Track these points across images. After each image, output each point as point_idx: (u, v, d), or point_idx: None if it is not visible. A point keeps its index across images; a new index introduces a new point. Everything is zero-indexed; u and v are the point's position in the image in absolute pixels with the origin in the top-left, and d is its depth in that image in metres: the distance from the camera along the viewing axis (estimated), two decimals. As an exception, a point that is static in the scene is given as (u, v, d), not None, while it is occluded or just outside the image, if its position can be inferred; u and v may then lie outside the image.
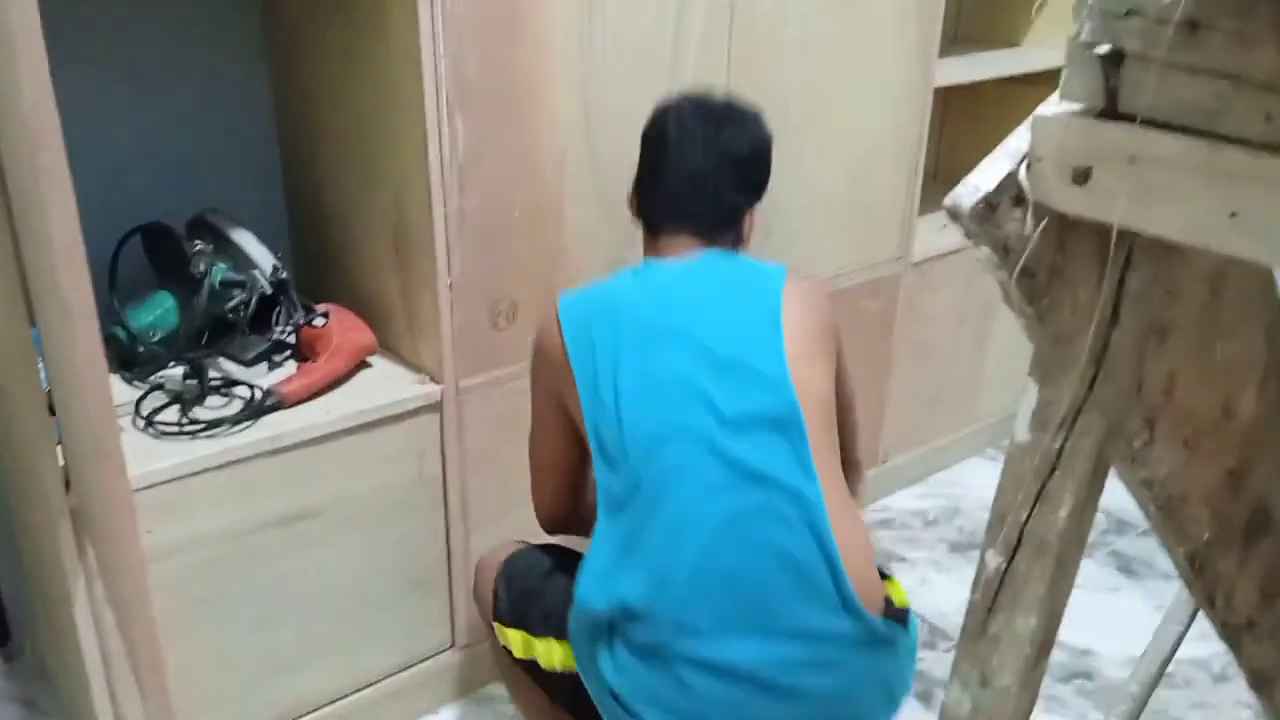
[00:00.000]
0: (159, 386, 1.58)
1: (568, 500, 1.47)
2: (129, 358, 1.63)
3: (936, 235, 2.32)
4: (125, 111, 1.71)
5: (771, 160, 1.46)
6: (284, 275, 1.69)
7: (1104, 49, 0.70)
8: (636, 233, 1.48)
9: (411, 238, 1.66)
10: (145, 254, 1.68)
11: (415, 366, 1.73)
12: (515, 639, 1.43)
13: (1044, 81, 2.39)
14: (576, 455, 1.42)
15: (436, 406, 1.68)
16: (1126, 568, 2.28)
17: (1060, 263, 0.79)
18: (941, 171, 2.57)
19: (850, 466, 1.43)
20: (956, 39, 2.44)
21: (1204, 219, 0.67)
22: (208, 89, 1.78)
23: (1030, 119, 0.76)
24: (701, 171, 1.39)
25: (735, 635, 1.22)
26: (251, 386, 1.59)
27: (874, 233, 2.19)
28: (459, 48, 1.54)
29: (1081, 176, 0.73)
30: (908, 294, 2.29)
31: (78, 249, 0.92)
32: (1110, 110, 0.72)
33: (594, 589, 1.28)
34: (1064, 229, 0.78)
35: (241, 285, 1.63)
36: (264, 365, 1.69)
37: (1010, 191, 0.78)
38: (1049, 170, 0.75)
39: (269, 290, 1.65)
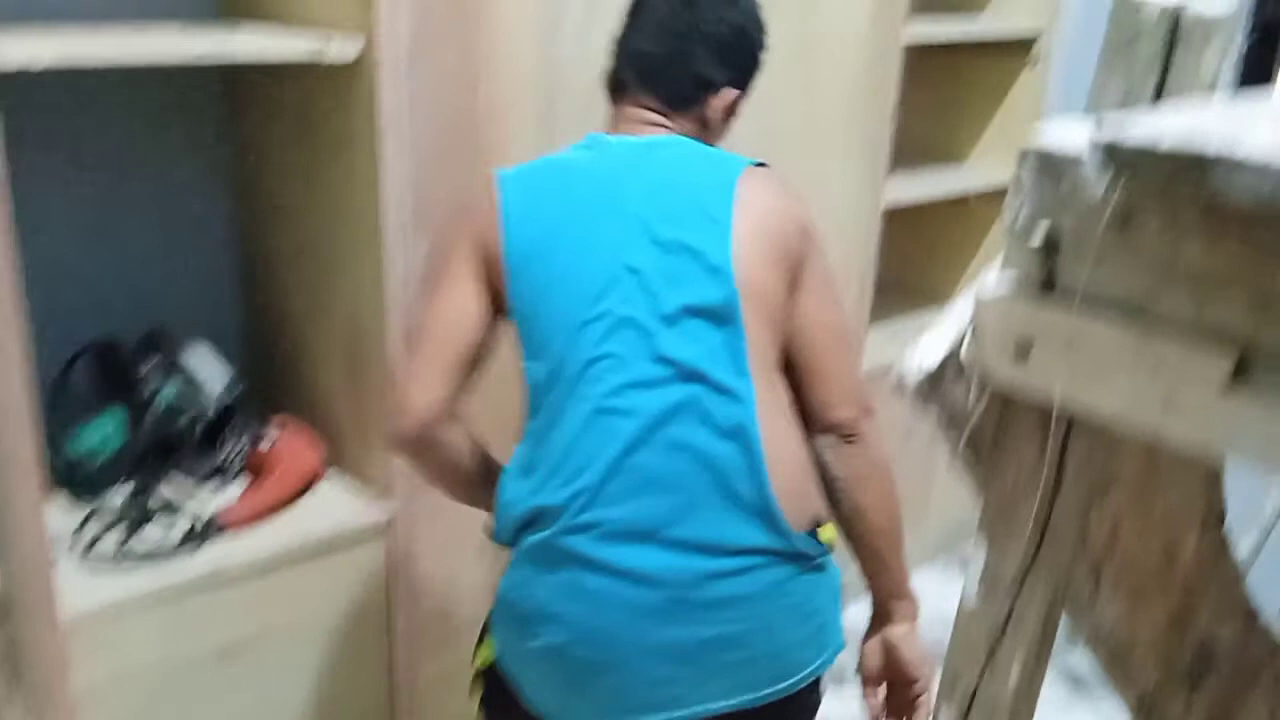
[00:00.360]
0: (100, 511, 1.54)
1: (443, 390, 1.22)
2: (73, 479, 1.59)
3: (885, 346, 2.36)
4: (81, 222, 1.70)
5: (759, 50, 1.35)
6: (236, 394, 1.67)
7: (1041, 236, 0.72)
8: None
9: (365, 357, 1.65)
10: (94, 371, 1.66)
11: (365, 485, 1.70)
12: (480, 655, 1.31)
13: (989, 200, 2.46)
14: (475, 336, 1.24)
15: (385, 530, 1.65)
16: (1078, 682, 2.28)
17: (1002, 431, 0.80)
18: (890, 280, 2.62)
19: (831, 419, 1.24)
20: (902, 155, 2.50)
21: (1140, 404, 0.69)
22: (166, 202, 1.78)
23: (973, 296, 0.78)
24: (675, 30, 1.29)
25: (645, 542, 1.14)
26: (195, 513, 1.56)
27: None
28: (421, 172, 1.55)
29: (1021, 353, 0.75)
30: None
31: (23, 411, 0.91)
32: (1049, 284, 0.74)
33: (511, 489, 1.21)
34: (1005, 399, 0.79)
35: (192, 404, 1.61)
36: (213, 484, 1.66)
37: (954, 364, 0.79)
38: (990, 347, 0.76)
39: (219, 410, 1.63)
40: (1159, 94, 0.71)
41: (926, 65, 2.38)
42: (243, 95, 1.76)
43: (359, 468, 1.72)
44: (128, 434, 1.62)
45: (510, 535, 1.21)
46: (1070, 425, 0.78)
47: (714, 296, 1.15)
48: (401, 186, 1.53)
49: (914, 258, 2.65)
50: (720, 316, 1.16)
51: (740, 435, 1.14)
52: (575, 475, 1.15)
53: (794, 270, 1.21)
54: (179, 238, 1.81)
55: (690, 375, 1.15)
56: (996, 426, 0.81)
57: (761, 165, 1.25)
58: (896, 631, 1.29)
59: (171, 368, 1.64)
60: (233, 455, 1.66)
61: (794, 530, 1.16)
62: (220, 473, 1.67)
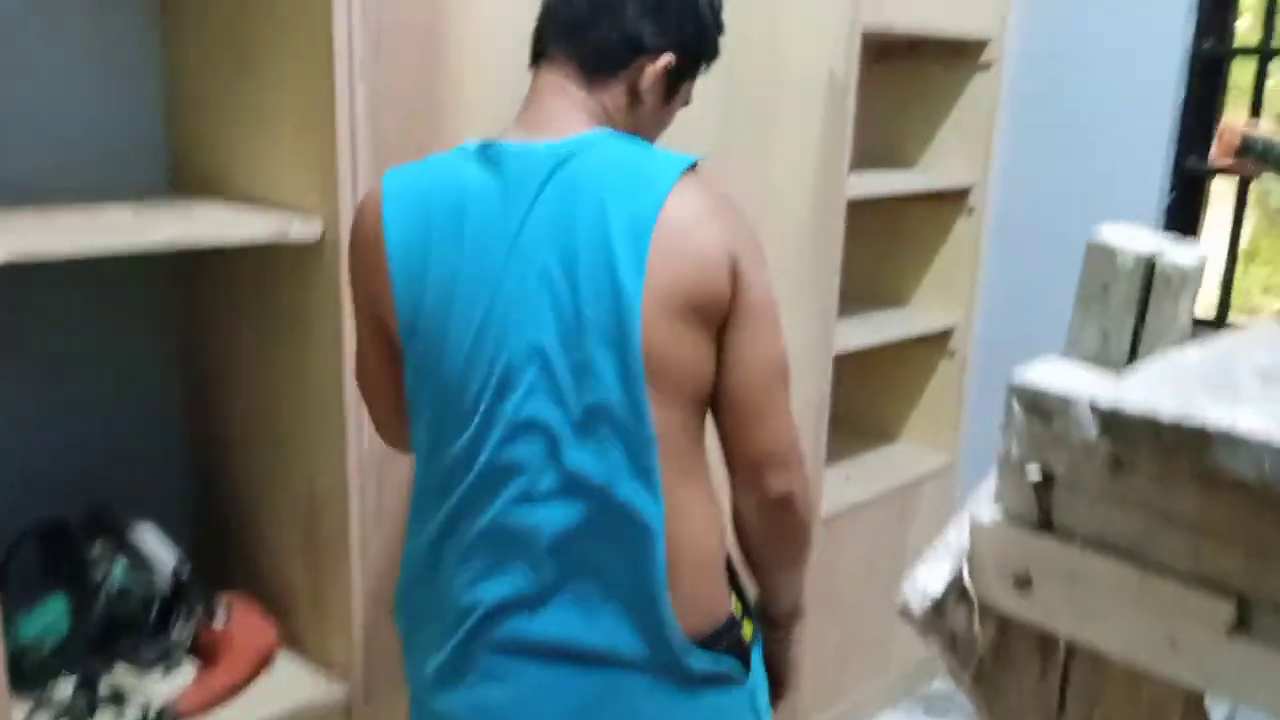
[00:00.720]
0: (46, 704, 1.46)
1: (402, 428, 1.21)
2: (18, 670, 1.51)
3: (842, 487, 2.38)
4: (23, 401, 1.65)
5: (705, 13, 1.17)
6: (186, 575, 1.62)
7: (1035, 475, 0.74)
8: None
9: (325, 532, 1.61)
10: (40, 553, 1.59)
11: (323, 664, 1.65)
12: None
13: (932, 342, 2.53)
14: (398, 389, 1.17)
15: (345, 710, 1.59)
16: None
17: (1003, 652, 0.81)
18: (840, 418, 2.66)
19: (758, 478, 1.09)
20: (849, 300, 2.56)
21: (1143, 641, 0.70)
22: (111, 379, 1.74)
23: (969, 522, 0.79)
24: None
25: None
26: (145, 702, 1.48)
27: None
28: (380, 344, 1.55)
29: (1023, 583, 0.76)
30: (817, 549, 2.32)
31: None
32: (1045, 523, 0.76)
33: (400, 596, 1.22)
34: (1007, 623, 0.80)
35: (141, 586, 1.55)
36: (163, 668, 1.59)
37: (955, 590, 0.80)
38: (991, 575, 0.78)
39: (169, 591, 1.57)
40: (1135, 338, 0.75)
41: (869, 216, 2.47)
42: (192, 270, 1.75)
43: (317, 646, 1.66)
44: (73, 620, 1.55)
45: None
46: (1071, 653, 0.79)
47: (624, 397, 1.02)
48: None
49: (862, 398, 2.70)
50: (630, 418, 1.03)
51: (643, 561, 1.04)
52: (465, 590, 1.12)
53: (720, 312, 1.05)
54: (124, 414, 1.76)
55: (596, 491, 1.05)
56: (996, 647, 0.82)
57: (691, 169, 1.08)
58: (774, 636, 1.25)
59: (119, 549, 1.58)
60: (183, 637, 1.60)
61: (684, 636, 1.05)
62: (170, 656, 1.59)
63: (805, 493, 1.12)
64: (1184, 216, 2.24)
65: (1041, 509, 0.75)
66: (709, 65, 1.22)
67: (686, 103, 1.23)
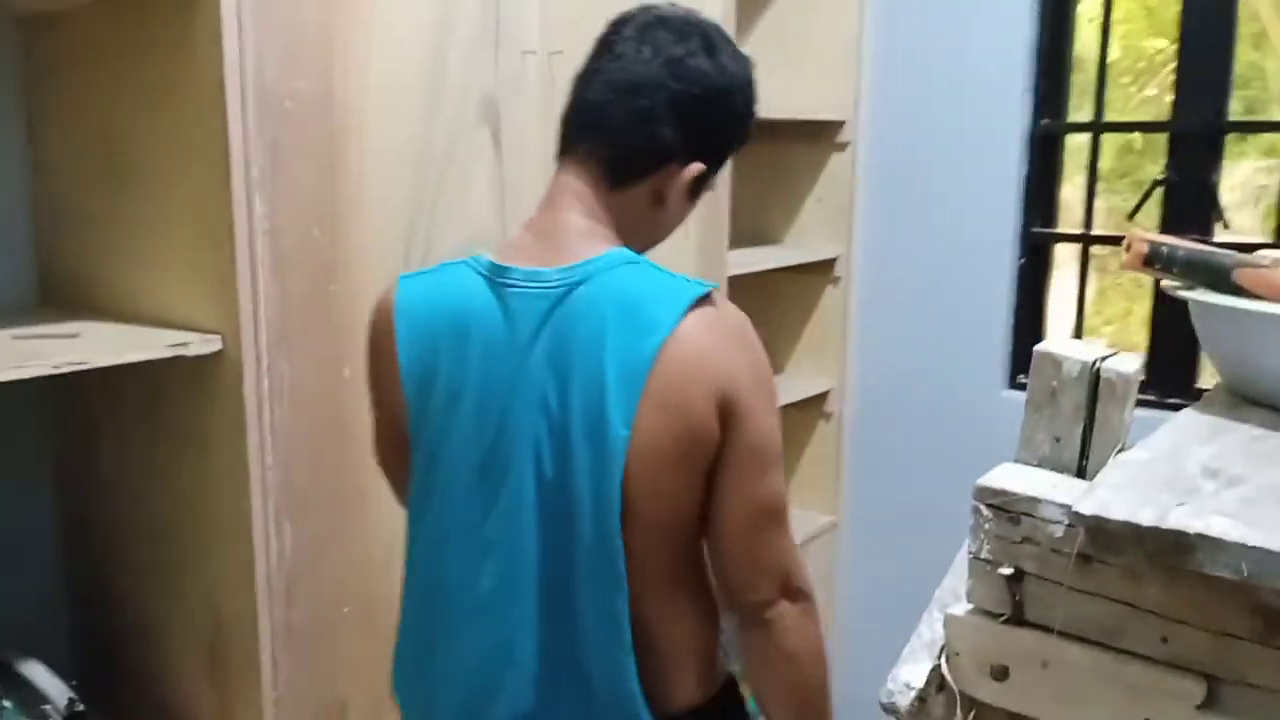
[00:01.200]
0: None
1: None
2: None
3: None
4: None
5: (739, 119, 1.16)
6: (80, 708, 1.51)
7: (1006, 570, 0.79)
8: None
9: (232, 652, 1.54)
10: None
11: (239, 796, 1.56)
12: None
13: (806, 406, 2.63)
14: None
15: (265, 842, 1.51)
16: None
17: (982, 739, 0.86)
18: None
19: (739, 600, 1.08)
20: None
21: (1120, 722, 0.76)
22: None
23: (944, 618, 0.84)
24: (635, 80, 1.08)
25: None
26: None
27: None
28: (288, 456, 1.50)
29: (1000, 674, 0.81)
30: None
31: None
32: (1017, 615, 0.81)
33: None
34: (986, 709, 0.85)
35: (33, 733, 1.44)
36: (58, 821, 1.47)
37: (936, 681, 0.84)
38: (968, 666, 0.82)
39: (66, 735, 1.46)
40: (1085, 441, 0.81)
41: (745, 290, 2.56)
42: (71, 389, 1.65)
43: (230, 778, 1.57)
44: (-44, 781, 1.42)
45: None
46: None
47: (595, 541, 1.02)
48: (268, 472, 1.48)
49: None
50: (601, 561, 1.02)
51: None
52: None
53: (708, 458, 1.03)
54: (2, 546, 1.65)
55: (569, 662, 1.07)
56: (975, 734, 0.86)
57: (705, 298, 1.07)
58: None
59: (7, 689, 1.47)
60: (82, 786, 1.49)
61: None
62: (68, 809, 1.48)
63: (799, 621, 1.05)
64: (1033, 280, 2.41)
65: (1014, 602, 0.80)
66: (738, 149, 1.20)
67: (712, 189, 1.22)
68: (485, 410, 1.06)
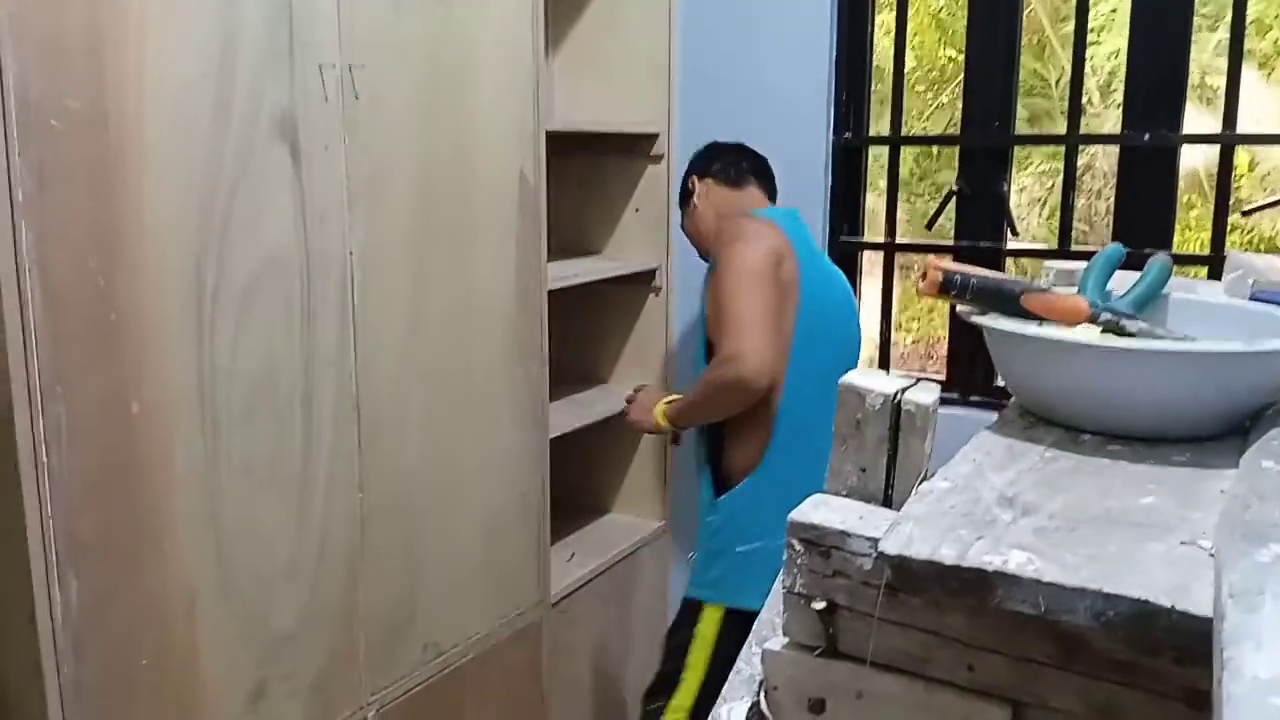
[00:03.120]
0: None
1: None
2: None
3: (566, 568, 2.41)
4: None
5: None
6: None
7: (819, 604, 0.80)
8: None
9: (16, 715, 1.41)
10: None
11: None
12: None
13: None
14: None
15: None
16: None
17: (801, 770, 0.87)
18: (559, 501, 2.69)
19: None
20: (556, 380, 2.62)
21: (931, 750, 0.78)
22: None
23: (761, 653, 0.84)
24: None
25: None
26: None
27: (512, 583, 2.22)
28: (70, 504, 1.38)
29: (817, 707, 0.82)
30: (551, 634, 2.33)
31: None
32: (831, 648, 0.82)
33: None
34: (803, 745, 0.86)
35: None
36: None
37: (755, 717, 0.84)
38: (786, 700, 0.83)
39: None
40: (889, 469, 0.83)
41: (570, 301, 2.55)
42: None
43: None
44: None
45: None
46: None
47: None
48: (46, 525, 1.36)
49: (575, 475, 2.75)
50: None
51: None
52: None
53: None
54: None
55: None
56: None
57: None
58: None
59: None
60: None
61: None
62: None
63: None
64: (843, 286, 2.49)
65: (828, 635, 0.81)
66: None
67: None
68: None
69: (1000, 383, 2.38)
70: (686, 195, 2.21)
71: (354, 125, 1.72)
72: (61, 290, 1.35)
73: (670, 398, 2.12)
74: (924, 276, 0.95)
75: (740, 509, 2.02)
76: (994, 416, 0.96)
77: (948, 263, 0.94)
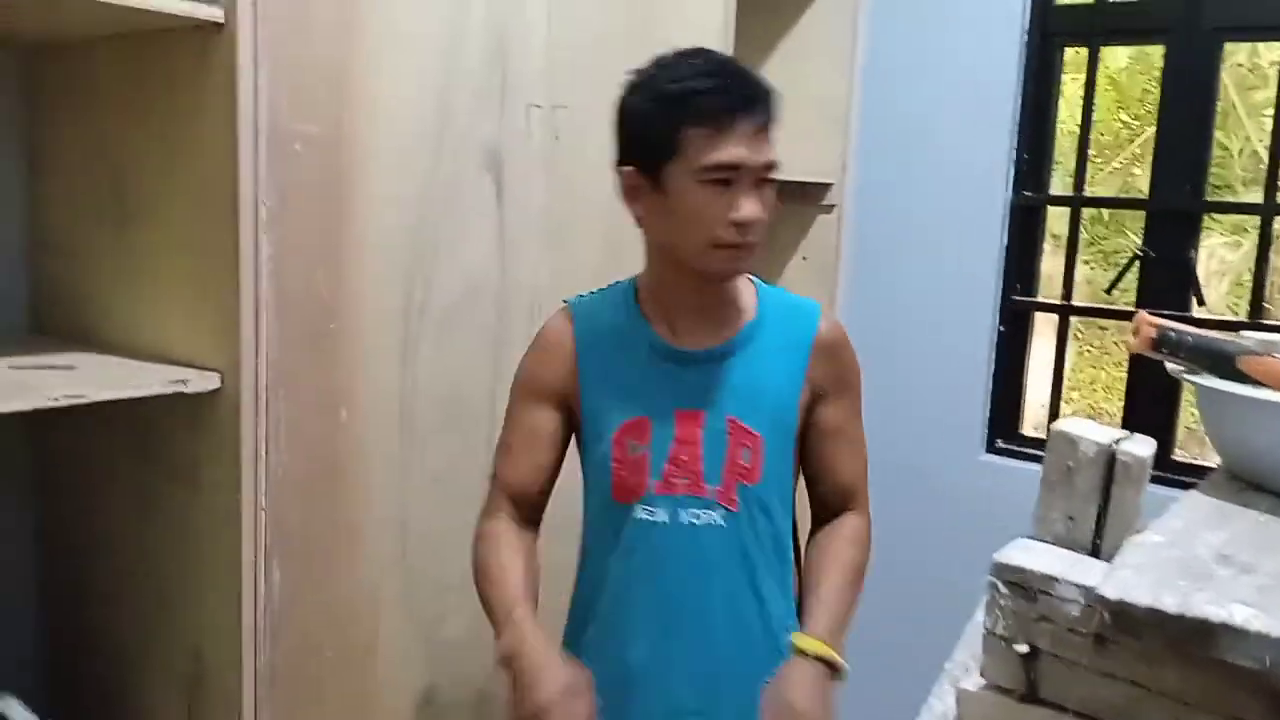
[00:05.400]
0: None
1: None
2: None
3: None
4: None
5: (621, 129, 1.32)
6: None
7: (1022, 648, 0.81)
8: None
9: (212, 695, 1.51)
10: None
11: (211, 846, 1.53)
12: None
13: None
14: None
15: None
16: None
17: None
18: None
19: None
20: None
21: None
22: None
23: (956, 693, 0.85)
24: None
25: None
26: None
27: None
28: (281, 498, 1.49)
29: (1011, 750, 0.82)
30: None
31: None
32: (1030, 693, 0.82)
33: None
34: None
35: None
36: None
37: (947, 757, 0.85)
38: (980, 741, 0.84)
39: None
40: (1100, 522, 0.83)
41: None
42: (60, 420, 1.63)
43: (204, 826, 1.54)
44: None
45: None
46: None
47: None
48: (260, 515, 1.47)
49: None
50: None
51: None
52: None
53: None
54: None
55: None
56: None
57: None
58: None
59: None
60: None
61: None
62: None
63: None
64: (1013, 347, 2.46)
65: (1028, 680, 0.82)
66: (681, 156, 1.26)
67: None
68: None
69: (1175, 457, 2.30)
70: None
71: (553, 163, 1.82)
72: (291, 298, 1.47)
73: (808, 643, 1.24)
74: (1136, 332, 0.96)
75: None
76: (1169, 490, 0.95)
77: (1161, 319, 0.95)
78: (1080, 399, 5.49)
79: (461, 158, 1.67)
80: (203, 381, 1.42)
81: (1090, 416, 5.67)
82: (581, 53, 1.84)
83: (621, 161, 1.30)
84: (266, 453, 1.46)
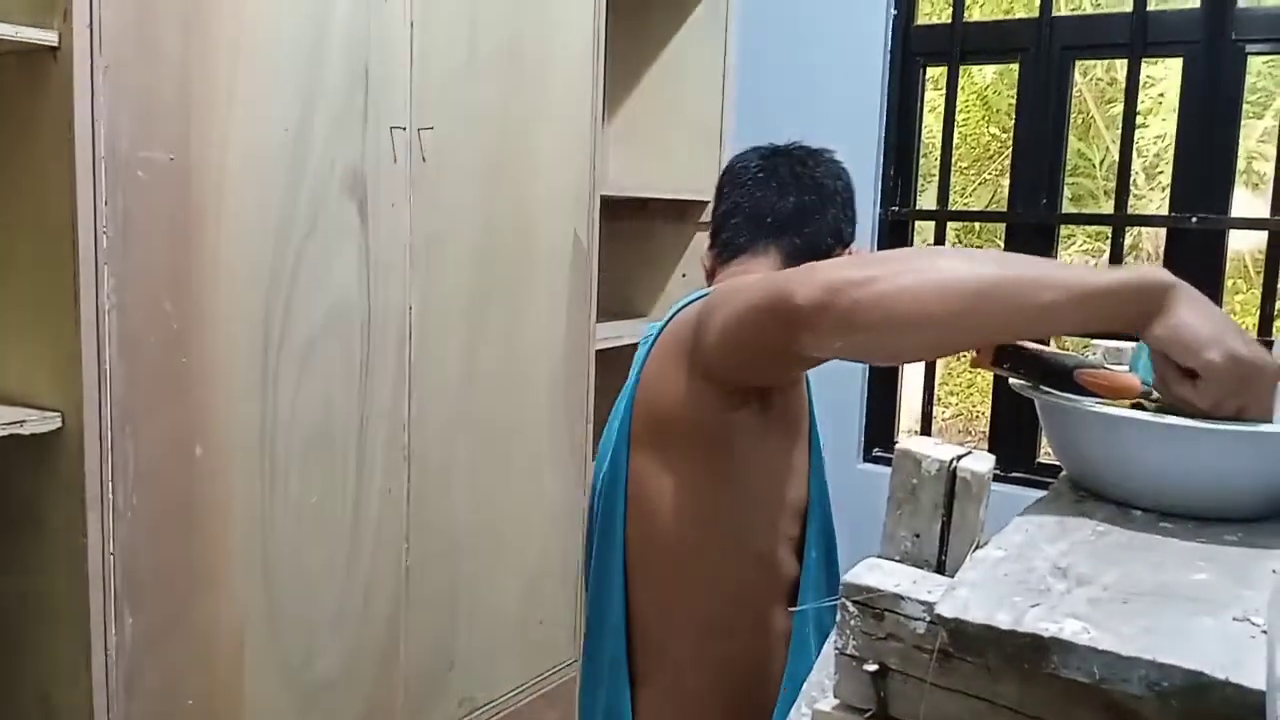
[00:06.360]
0: None
1: None
2: None
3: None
4: None
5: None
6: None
7: (871, 667, 0.81)
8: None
9: (63, 753, 1.43)
10: None
11: None
12: None
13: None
14: None
15: None
16: None
17: (847, 833, 0.87)
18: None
19: None
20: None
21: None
22: None
23: (810, 712, 0.85)
24: None
25: None
26: None
27: (549, 640, 2.23)
28: (131, 541, 1.42)
29: (865, 769, 0.83)
30: (581, 696, 2.33)
31: None
32: (882, 711, 0.83)
33: None
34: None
35: None
36: None
37: (802, 780, 0.85)
38: (834, 762, 0.84)
39: None
40: (944, 537, 0.85)
41: (614, 360, 2.59)
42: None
43: None
44: None
45: None
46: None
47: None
48: (107, 560, 1.40)
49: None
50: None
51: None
52: None
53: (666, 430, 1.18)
54: None
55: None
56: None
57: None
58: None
59: None
60: None
61: None
62: None
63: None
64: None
65: (879, 698, 0.82)
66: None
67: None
68: None
69: (1041, 459, 2.38)
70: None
71: (420, 185, 1.78)
72: (137, 332, 1.41)
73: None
74: (979, 349, 0.98)
75: None
76: (1033, 492, 0.97)
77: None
78: (958, 403, 5.65)
79: (322, 182, 1.63)
80: (42, 423, 1.35)
81: (966, 420, 5.86)
82: (448, 74, 1.81)
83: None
84: (114, 494, 1.40)
